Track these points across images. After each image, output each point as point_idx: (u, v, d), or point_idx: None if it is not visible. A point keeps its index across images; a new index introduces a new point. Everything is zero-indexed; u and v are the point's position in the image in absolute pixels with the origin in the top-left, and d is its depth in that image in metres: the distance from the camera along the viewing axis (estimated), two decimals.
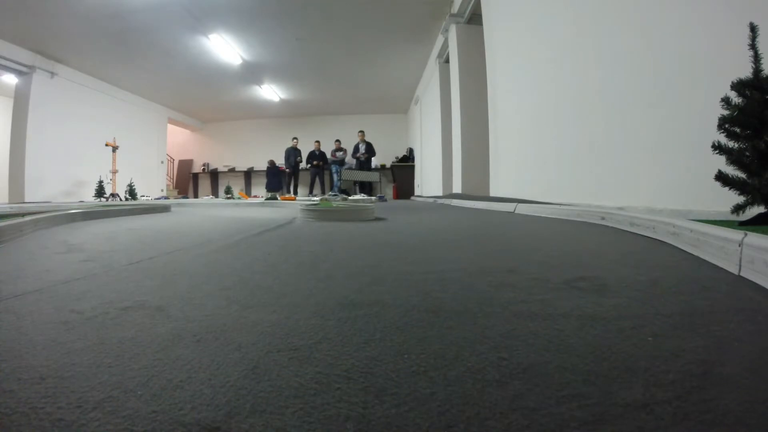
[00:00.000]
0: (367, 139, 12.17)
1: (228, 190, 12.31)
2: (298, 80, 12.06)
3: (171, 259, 1.82)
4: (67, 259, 1.84)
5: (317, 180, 12.44)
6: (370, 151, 12.13)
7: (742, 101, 1.56)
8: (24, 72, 9.08)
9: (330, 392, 0.62)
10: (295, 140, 12.55)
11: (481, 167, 6.92)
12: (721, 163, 1.62)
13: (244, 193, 14.09)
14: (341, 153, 12.50)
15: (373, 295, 1.15)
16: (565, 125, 4.03)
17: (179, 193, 15.86)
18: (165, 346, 0.80)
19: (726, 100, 1.60)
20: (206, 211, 6.06)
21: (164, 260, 1.80)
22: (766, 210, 1.51)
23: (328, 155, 12.49)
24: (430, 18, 8.21)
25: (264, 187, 13.12)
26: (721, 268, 1.30)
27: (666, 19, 2.62)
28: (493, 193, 6.12)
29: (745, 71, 1.58)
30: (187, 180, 16.68)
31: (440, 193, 9.32)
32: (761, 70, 1.55)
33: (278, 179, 12.66)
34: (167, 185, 15.21)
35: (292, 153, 12.46)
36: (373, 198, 9.65)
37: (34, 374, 0.68)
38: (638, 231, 2.12)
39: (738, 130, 1.57)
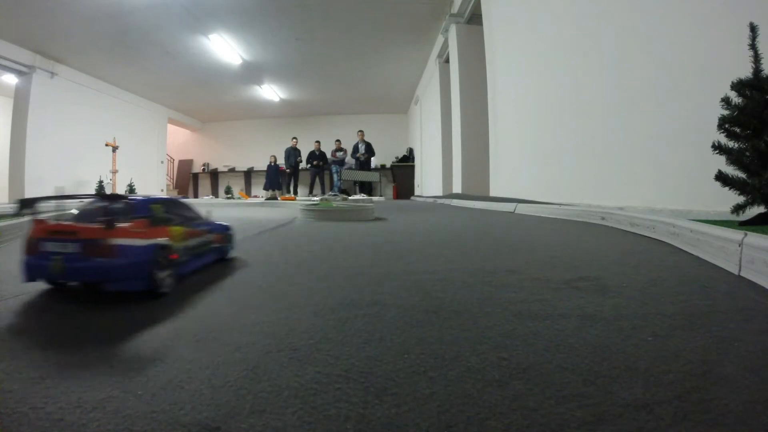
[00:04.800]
0: (367, 139, 12.16)
1: (228, 190, 12.30)
2: (298, 80, 12.04)
3: None
4: None
5: (317, 180, 12.44)
6: (370, 150, 12.12)
7: (742, 101, 1.56)
8: (24, 72, 9.06)
9: (330, 392, 0.62)
10: (294, 140, 12.55)
11: (481, 167, 6.91)
12: (721, 163, 1.62)
13: (244, 193, 14.08)
14: (341, 153, 12.50)
15: (373, 295, 1.15)
16: (566, 125, 4.04)
17: (179, 193, 15.85)
18: (165, 346, 0.81)
19: (726, 100, 1.60)
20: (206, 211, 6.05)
21: None
22: (766, 210, 1.51)
23: (328, 155, 12.49)
24: (430, 18, 8.20)
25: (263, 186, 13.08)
26: (721, 268, 1.30)
27: (666, 19, 2.62)
28: (493, 193, 6.12)
29: (745, 71, 1.58)
30: (187, 180, 16.67)
31: (440, 193, 9.32)
32: (761, 70, 1.55)
33: (278, 178, 12.64)
34: (167, 185, 15.19)
35: (292, 153, 12.45)
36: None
37: (34, 374, 0.68)
38: (638, 231, 2.12)
39: (738, 130, 1.57)
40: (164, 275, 1.16)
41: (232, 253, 1.75)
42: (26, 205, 1.17)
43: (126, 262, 1.06)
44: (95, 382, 0.66)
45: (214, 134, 17.01)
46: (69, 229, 1.09)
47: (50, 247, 1.07)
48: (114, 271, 1.05)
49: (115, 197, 1.19)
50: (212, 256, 1.55)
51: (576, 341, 0.79)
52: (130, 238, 1.10)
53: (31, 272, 1.10)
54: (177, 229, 1.29)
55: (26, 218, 1.15)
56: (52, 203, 1.16)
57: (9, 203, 7.22)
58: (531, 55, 4.83)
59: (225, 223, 1.73)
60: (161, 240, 1.18)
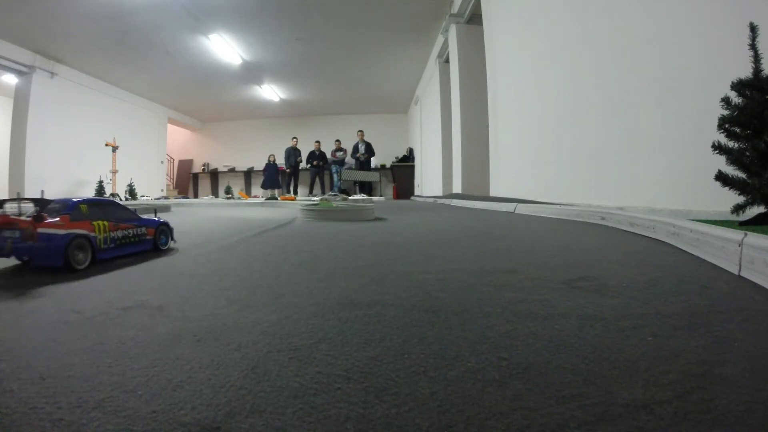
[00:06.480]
0: (367, 139, 12.17)
1: (228, 190, 12.31)
2: (298, 80, 12.06)
3: (170, 259, 1.83)
4: None
5: (317, 180, 12.45)
6: (370, 150, 12.13)
7: (742, 101, 1.56)
8: (24, 72, 9.06)
9: (330, 392, 0.62)
10: (294, 140, 12.55)
11: (481, 167, 6.92)
12: (721, 163, 1.62)
13: (244, 193, 14.08)
14: (341, 153, 12.51)
15: (373, 295, 1.15)
16: (566, 125, 4.04)
17: (179, 193, 15.86)
18: (165, 346, 0.80)
19: (726, 100, 1.60)
20: (206, 211, 6.07)
21: (164, 260, 1.80)
22: (766, 210, 1.51)
23: (328, 155, 12.49)
24: (430, 18, 8.21)
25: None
26: (721, 268, 1.30)
27: (666, 19, 2.63)
28: (493, 193, 6.12)
29: (745, 71, 1.58)
30: (187, 180, 16.68)
31: (440, 193, 9.33)
32: (761, 70, 1.55)
33: (277, 177, 12.61)
34: (167, 185, 15.19)
35: (292, 153, 12.45)
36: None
37: (34, 374, 0.68)
38: (638, 231, 2.12)
39: (738, 130, 1.57)
40: (81, 256, 1.55)
41: (174, 245, 2.11)
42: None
43: (46, 245, 1.47)
44: (95, 382, 0.66)
45: (214, 134, 17.01)
46: (14, 221, 1.49)
47: (6, 233, 1.48)
48: (37, 251, 1.47)
49: (47, 200, 1.66)
50: (144, 246, 1.90)
51: (576, 341, 0.79)
52: (51, 228, 1.50)
53: None
54: (100, 223, 1.68)
55: None
56: (14, 204, 1.63)
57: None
58: (531, 55, 4.83)
59: (160, 220, 2.05)
60: (80, 231, 1.57)
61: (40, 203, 1.60)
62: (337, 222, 3.57)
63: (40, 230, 1.47)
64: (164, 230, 2.04)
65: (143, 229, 1.90)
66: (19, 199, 1.66)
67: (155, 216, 2.10)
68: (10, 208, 1.66)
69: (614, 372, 0.66)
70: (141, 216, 1.96)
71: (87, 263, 1.57)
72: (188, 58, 9.80)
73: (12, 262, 1.61)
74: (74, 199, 1.68)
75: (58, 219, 1.54)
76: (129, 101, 12.52)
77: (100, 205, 1.77)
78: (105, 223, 1.70)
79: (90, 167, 10.35)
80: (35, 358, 0.76)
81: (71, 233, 1.53)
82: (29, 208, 1.64)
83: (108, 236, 1.70)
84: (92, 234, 1.62)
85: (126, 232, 1.80)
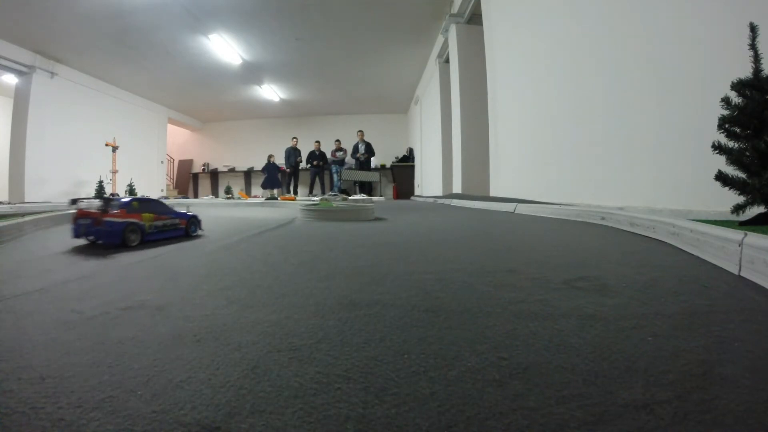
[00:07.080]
0: (367, 139, 12.17)
1: (228, 190, 12.30)
2: (298, 80, 12.05)
3: (171, 259, 1.83)
4: (67, 259, 1.84)
5: (317, 180, 12.44)
6: (370, 150, 12.13)
7: (742, 101, 1.56)
8: (24, 72, 9.06)
9: (330, 392, 0.62)
10: (294, 140, 12.54)
11: (481, 167, 6.92)
12: (721, 163, 1.62)
13: (244, 193, 14.07)
14: (341, 153, 12.51)
15: (373, 295, 1.15)
16: (566, 125, 4.04)
17: (179, 193, 15.86)
18: (165, 346, 0.80)
19: (726, 100, 1.60)
20: (206, 211, 6.06)
21: (164, 260, 1.80)
22: (766, 210, 1.51)
23: (328, 155, 12.49)
24: (430, 18, 8.21)
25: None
26: (721, 268, 1.30)
27: (666, 19, 2.63)
28: (493, 193, 6.12)
29: (745, 71, 1.58)
30: (187, 180, 16.67)
31: (440, 193, 9.33)
32: (761, 70, 1.55)
33: (276, 177, 12.59)
34: (167, 185, 15.19)
35: (292, 153, 12.43)
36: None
37: (34, 374, 0.68)
38: (638, 231, 2.12)
39: (738, 130, 1.57)
40: (133, 237, 2.13)
41: (200, 233, 2.65)
42: (74, 202, 2.29)
43: (109, 229, 2.06)
44: (95, 382, 0.66)
45: (214, 134, 17.01)
46: (87, 213, 2.12)
47: (81, 221, 2.11)
48: (103, 233, 2.07)
49: (110, 198, 2.28)
50: (179, 232, 2.47)
51: (576, 341, 0.79)
52: (113, 218, 2.09)
53: (75, 232, 2.12)
54: (147, 215, 2.26)
55: (74, 207, 2.22)
56: (85, 201, 2.29)
57: (8, 203, 7.22)
58: (531, 55, 4.83)
59: (191, 213, 2.62)
60: (132, 219, 2.16)
61: (105, 201, 2.20)
62: (337, 222, 3.56)
63: (105, 219, 2.05)
64: (194, 221, 2.62)
65: (177, 220, 2.48)
66: (89, 198, 2.45)
67: (187, 210, 2.68)
68: (83, 204, 2.29)
69: (614, 372, 0.66)
70: (176, 210, 2.54)
71: (137, 242, 2.15)
72: (188, 58, 9.80)
73: (84, 241, 2.18)
74: (129, 198, 2.31)
75: (117, 211, 2.12)
76: (129, 101, 12.51)
77: (147, 202, 2.35)
78: (150, 214, 2.27)
79: (90, 167, 10.35)
80: (35, 358, 0.76)
81: (126, 221, 2.11)
82: (95, 203, 2.24)
83: (152, 224, 2.28)
84: (141, 222, 2.19)
85: (165, 222, 2.37)
